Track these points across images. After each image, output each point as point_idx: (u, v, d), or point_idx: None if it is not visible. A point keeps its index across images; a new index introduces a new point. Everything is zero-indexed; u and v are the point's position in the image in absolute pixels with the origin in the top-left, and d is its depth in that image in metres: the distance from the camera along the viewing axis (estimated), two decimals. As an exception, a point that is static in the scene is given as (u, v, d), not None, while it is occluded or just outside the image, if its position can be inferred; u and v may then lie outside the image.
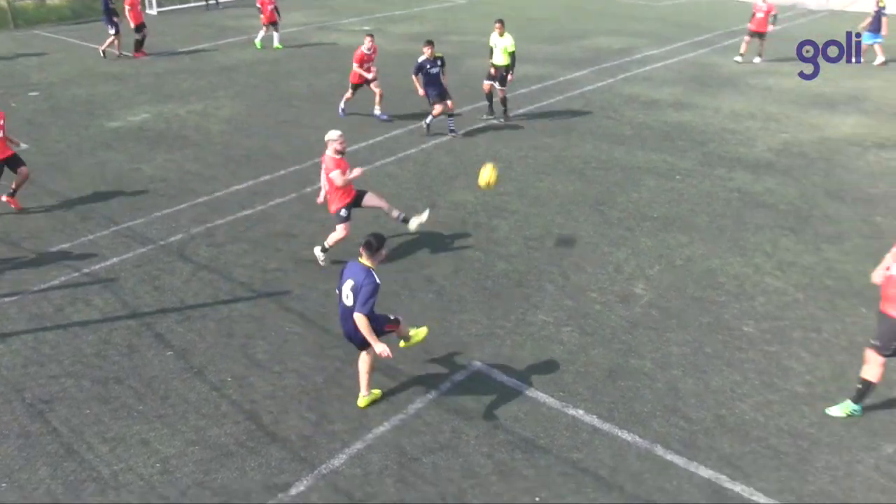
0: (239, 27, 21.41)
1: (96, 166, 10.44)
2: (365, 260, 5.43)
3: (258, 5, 17.46)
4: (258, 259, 8.05)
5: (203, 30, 19.81)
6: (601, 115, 12.60)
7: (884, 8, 16.20)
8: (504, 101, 12.17)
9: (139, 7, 16.45)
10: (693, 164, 10.77)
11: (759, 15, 16.20)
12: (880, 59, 16.33)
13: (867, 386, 5.61)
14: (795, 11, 24.72)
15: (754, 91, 14.48)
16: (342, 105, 12.37)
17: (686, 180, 10.23)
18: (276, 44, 17.68)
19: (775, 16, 16.21)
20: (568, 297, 7.35)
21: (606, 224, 8.87)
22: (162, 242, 8.38)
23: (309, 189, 9.77)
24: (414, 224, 8.07)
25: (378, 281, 5.35)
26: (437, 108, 11.31)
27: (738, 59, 16.22)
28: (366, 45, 12.04)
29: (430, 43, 11.32)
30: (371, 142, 11.49)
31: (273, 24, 17.52)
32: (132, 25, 16.35)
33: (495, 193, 9.38)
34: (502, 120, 12.36)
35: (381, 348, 5.33)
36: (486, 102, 12.61)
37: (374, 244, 5.40)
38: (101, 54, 16.43)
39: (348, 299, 5.43)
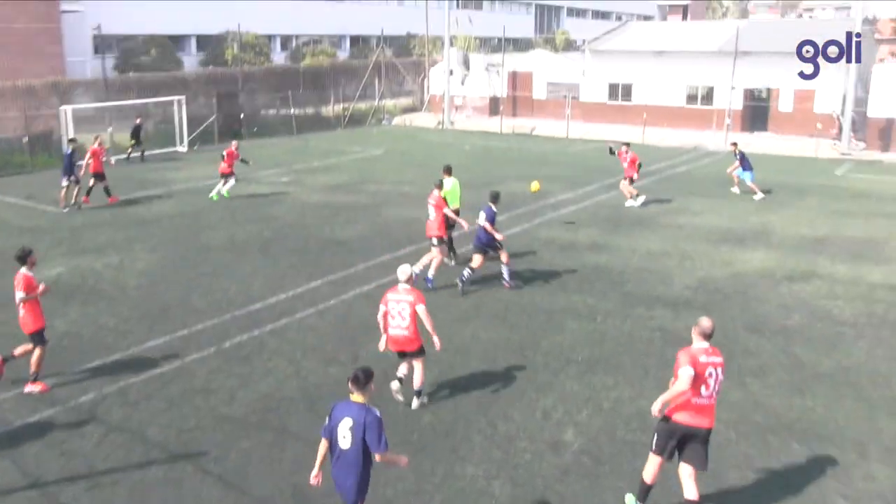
0: (160, 179, 21.93)
1: (3, 324, 10.22)
2: (357, 396, 5.41)
3: (224, 154, 18.52)
4: (174, 418, 7.93)
5: (123, 182, 20.22)
6: (519, 260, 13.09)
7: (737, 147, 18.47)
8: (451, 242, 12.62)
9: (101, 157, 17.58)
10: (613, 304, 11.30)
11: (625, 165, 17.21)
12: (759, 195, 18.22)
13: (644, 487, 6.17)
14: (697, 153, 27.79)
15: (667, 230, 15.67)
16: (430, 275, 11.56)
17: (607, 321, 10.63)
18: (224, 192, 18.45)
19: (640, 164, 17.31)
20: (496, 447, 7.39)
21: (531, 369, 9.05)
22: (72, 403, 8.14)
23: (228, 343, 9.78)
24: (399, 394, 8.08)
25: (379, 414, 5.33)
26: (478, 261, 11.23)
27: (630, 203, 17.18)
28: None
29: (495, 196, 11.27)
30: (290, 293, 11.74)
31: (231, 174, 18.43)
32: (91, 175, 17.43)
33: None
34: (453, 263, 12.61)
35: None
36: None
37: (361, 379, 5.40)
38: (63, 208, 16.88)
39: (345, 440, 5.33)
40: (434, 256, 11.55)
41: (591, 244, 14.49)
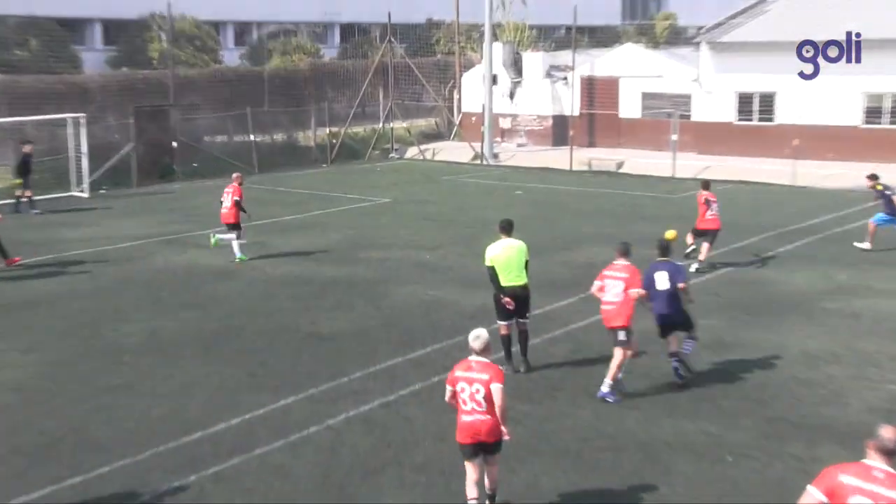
0: (45, 240, 22.51)
1: None
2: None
3: (229, 191, 20.27)
4: None
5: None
6: (601, 363, 13.23)
7: (877, 182, 21.34)
8: (525, 337, 13.44)
9: None
10: (751, 436, 11.14)
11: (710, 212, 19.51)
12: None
13: None
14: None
15: (834, 319, 15.73)
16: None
17: (742, 464, 10.56)
18: (240, 253, 20.34)
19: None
20: None
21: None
22: None
23: (147, 497, 9.59)
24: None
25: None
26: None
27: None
28: None
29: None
30: (247, 417, 11.88)
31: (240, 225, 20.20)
32: None
33: (448, 492, 9.59)
34: (522, 369, 13.30)
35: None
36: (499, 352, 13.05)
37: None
38: None
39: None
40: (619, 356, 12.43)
41: (713, 340, 14.52)
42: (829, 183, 31.46)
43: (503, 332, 13.35)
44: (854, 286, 18.08)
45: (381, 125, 43.19)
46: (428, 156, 41.16)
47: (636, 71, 39.34)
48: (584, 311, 16.11)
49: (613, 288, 12.35)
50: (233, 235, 20.29)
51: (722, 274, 18.99)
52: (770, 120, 36.24)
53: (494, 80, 40.40)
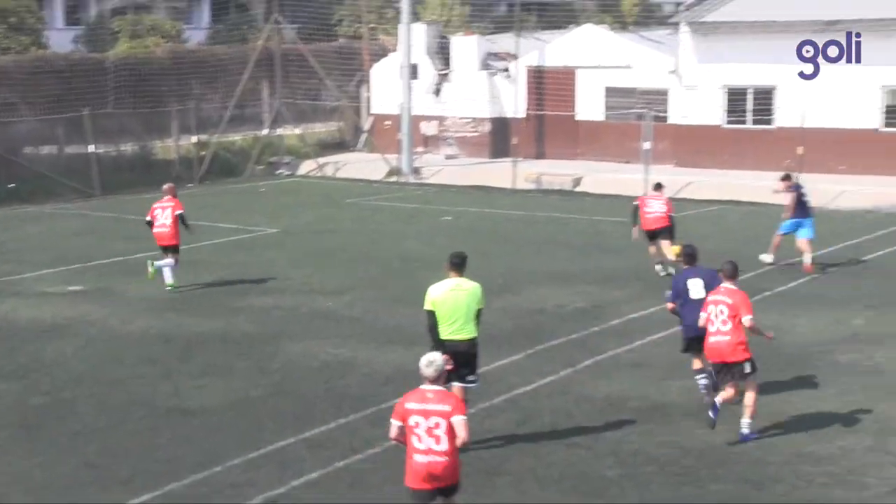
0: None
1: None
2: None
3: (160, 207, 21.98)
4: None
5: None
6: (555, 438, 13.73)
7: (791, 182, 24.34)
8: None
9: None
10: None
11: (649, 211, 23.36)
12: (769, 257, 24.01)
13: None
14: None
15: (848, 376, 16.03)
16: None
17: None
18: (172, 278, 22.02)
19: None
20: None
21: None
22: None
23: None
24: None
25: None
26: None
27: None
28: None
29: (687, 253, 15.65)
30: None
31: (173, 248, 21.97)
32: None
33: None
34: None
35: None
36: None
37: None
38: None
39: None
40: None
41: (700, 404, 14.74)
42: (842, 202, 32.31)
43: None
44: (873, 333, 18.49)
45: (265, 131, 43.19)
46: (328, 172, 41.28)
47: (598, 60, 40.08)
48: (531, 371, 16.30)
49: (720, 315, 13.57)
50: (171, 261, 21.89)
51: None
52: (768, 122, 37.31)
53: (414, 72, 40.82)
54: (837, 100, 35.47)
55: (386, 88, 43.04)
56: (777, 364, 16.58)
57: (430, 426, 9.64)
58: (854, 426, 14.24)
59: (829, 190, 33.19)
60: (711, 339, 13.67)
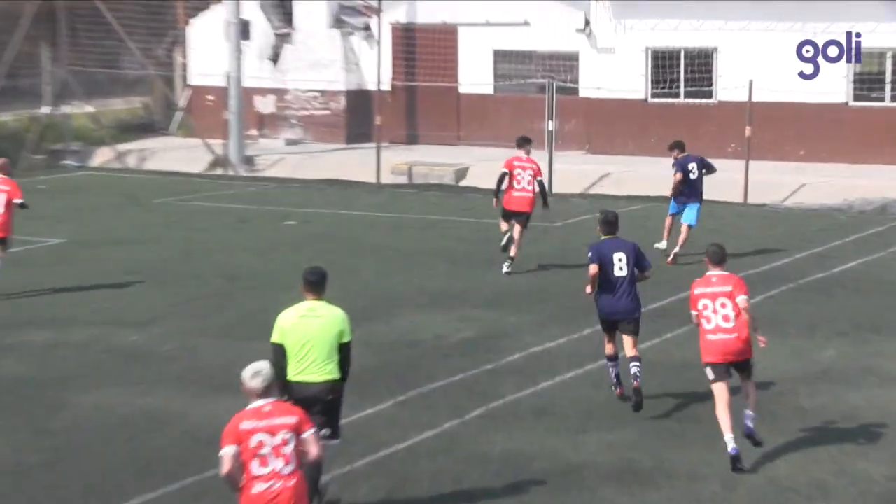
0: None
1: None
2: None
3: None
4: None
5: None
6: None
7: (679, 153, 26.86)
8: (317, 469, 13.20)
9: None
10: None
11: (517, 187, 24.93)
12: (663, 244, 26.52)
13: None
14: (890, 218, 29.45)
15: (816, 425, 16.03)
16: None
17: None
18: None
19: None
20: None
21: None
22: None
23: None
24: None
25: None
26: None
27: None
28: None
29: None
30: None
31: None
32: None
33: None
34: None
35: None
36: None
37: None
38: None
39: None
40: None
41: (623, 466, 14.73)
42: (802, 197, 32.83)
43: None
44: (848, 368, 18.68)
45: (46, 110, 42.45)
46: (131, 163, 40.86)
47: (485, 14, 40.24)
48: (405, 424, 16.13)
49: (721, 310, 14.74)
50: None
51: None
52: (706, 96, 37.81)
53: (245, 31, 40.53)
54: (794, 67, 35.93)
55: (208, 53, 42.67)
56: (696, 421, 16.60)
57: (276, 444, 10.49)
58: (825, 491, 14.31)
59: (785, 182, 33.80)
60: (713, 337, 14.74)
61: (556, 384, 17.94)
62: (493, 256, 26.53)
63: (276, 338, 13.21)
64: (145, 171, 39.88)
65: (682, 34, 37.40)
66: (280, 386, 12.84)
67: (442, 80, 40.71)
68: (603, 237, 17.12)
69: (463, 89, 40.68)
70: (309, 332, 13.12)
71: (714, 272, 14.98)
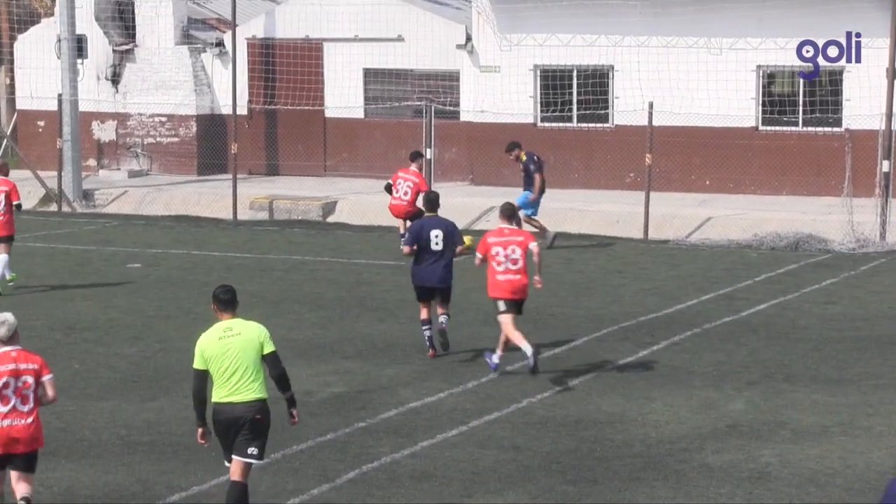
0: None
1: None
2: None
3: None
4: None
5: None
6: None
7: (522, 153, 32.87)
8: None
9: None
10: None
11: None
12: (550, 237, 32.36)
13: None
14: (808, 255, 29.85)
15: (723, 487, 16.32)
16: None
17: None
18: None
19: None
20: None
21: None
22: None
23: None
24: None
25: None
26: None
27: None
28: None
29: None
30: None
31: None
32: None
33: None
34: None
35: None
36: None
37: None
38: None
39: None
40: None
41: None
42: (709, 233, 33.34)
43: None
44: (758, 421, 18.95)
45: None
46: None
47: (354, 29, 40.58)
48: (267, 490, 16.16)
49: (511, 255, 20.59)
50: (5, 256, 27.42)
51: (526, 408, 19.61)
52: (603, 120, 38.38)
53: (81, 47, 40.39)
54: (699, 86, 36.49)
55: (37, 72, 42.50)
56: (623, 467, 16.89)
57: (19, 386, 13.57)
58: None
59: (690, 215, 34.23)
60: (503, 278, 20.51)
61: (437, 443, 18.03)
62: (367, 302, 26.70)
63: (198, 364, 13.98)
64: (-34, 208, 39.42)
65: (574, 50, 37.91)
66: (197, 410, 14.20)
67: (306, 103, 40.78)
68: (426, 214, 22.83)
69: (330, 113, 40.87)
70: (231, 352, 13.91)
71: (505, 225, 20.92)
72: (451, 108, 38.69)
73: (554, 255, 31.54)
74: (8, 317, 13.99)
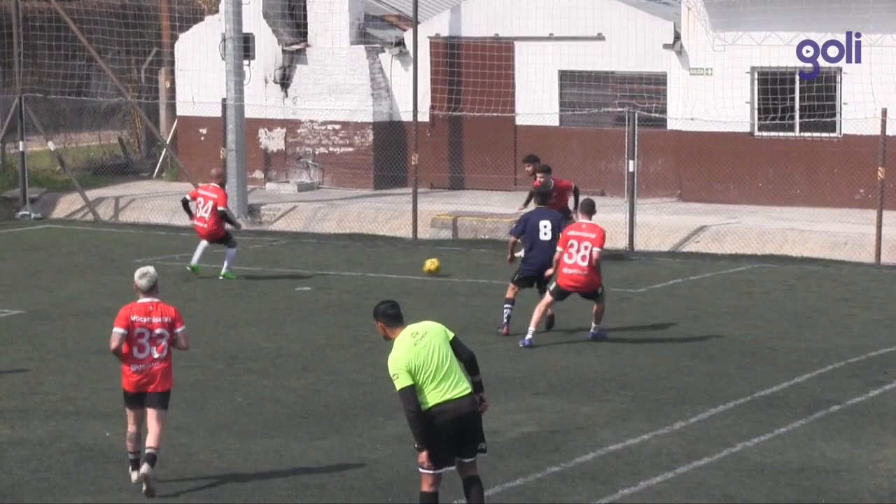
0: None
1: None
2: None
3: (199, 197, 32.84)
4: None
5: None
6: None
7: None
8: (479, 491, 15.84)
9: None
10: None
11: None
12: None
13: None
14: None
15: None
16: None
17: None
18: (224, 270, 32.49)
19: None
20: None
21: None
22: None
23: None
24: None
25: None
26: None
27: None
28: None
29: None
30: None
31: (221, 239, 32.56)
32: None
33: None
34: None
35: None
36: None
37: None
38: None
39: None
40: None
41: None
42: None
43: (429, 488, 15.11)
44: None
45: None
46: (105, 213, 41.27)
47: (549, 26, 40.57)
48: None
49: (581, 251, 24.83)
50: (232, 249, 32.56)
51: (740, 453, 19.43)
52: (829, 129, 38.11)
53: (247, 48, 40.91)
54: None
55: (200, 74, 43.17)
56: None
57: (153, 336, 17.01)
58: None
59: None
60: (569, 271, 24.80)
61: (639, 491, 17.99)
62: (565, 331, 26.65)
63: (405, 381, 14.74)
64: (121, 224, 40.16)
65: (794, 50, 37.60)
66: (420, 433, 14.82)
67: (494, 109, 40.87)
68: (536, 207, 27.16)
69: (521, 120, 41.01)
70: (433, 353, 14.94)
71: (584, 221, 24.95)
72: (657, 115, 38.49)
73: (773, 280, 31.31)
74: (150, 269, 17.32)
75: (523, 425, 20.75)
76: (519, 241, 26.61)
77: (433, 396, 14.65)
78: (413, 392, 14.69)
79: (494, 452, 19.52)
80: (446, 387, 14.72)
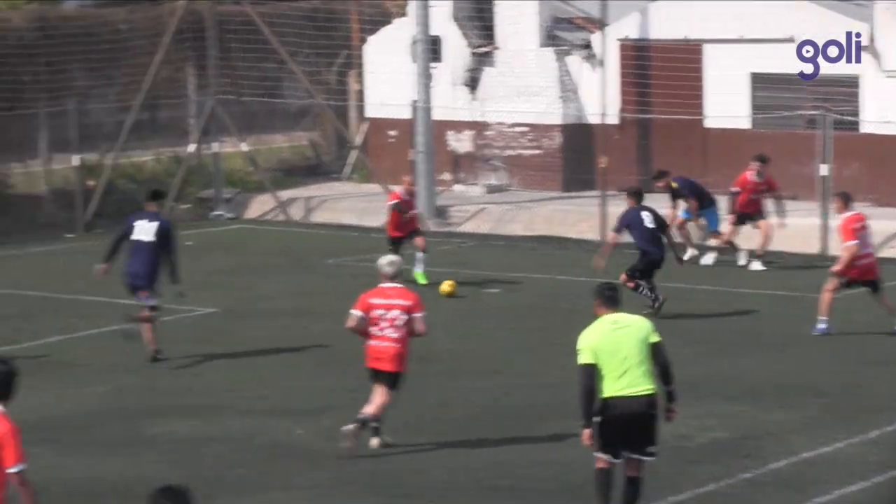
0: None
1: None
2: None
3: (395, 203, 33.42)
4: None
5: None
6: None
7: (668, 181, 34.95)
8: (636, 492, 16.03)
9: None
10: None
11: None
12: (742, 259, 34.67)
13: None
14: None
15: None
16: None
17: None
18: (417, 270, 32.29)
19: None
20: None
21: None
22: None
23: None
24: None
25: None
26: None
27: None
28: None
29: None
30: None
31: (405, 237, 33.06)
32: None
33: None
34: None
35: None
36: None
37: None
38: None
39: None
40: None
41: None
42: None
43: (601, 465, 15.53)
44: None
45: (192, 148, 43.57)
46: (296, 214, 41.73)
47: (739, 28, 40.34)
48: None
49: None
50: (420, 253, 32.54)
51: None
52: None
53: (436, 51, 41.13)
54: None
55: (389, 78, 43.29)
56: None
57: (390, 317, 18.99)
58: None
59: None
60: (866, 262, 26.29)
61: (833, 499, 17.87)
62: (753, 337, 26.43)
63: (587, 358, 15.12)
64: (313, 225, 40.55)
65: None
66: (586, 411, 15.15)
67: (684, 112, 40.65)
68: (633, 205, 29.03)
69: (711, 123, 40.72)
70: (624, 344, 15.13)
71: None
72: (851, 119, 37.98)
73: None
74: (396, 259, 20.38)
75: (714, 430, 20.74)
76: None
77: (610, 387, 14.85)
78: (591, 371, 14.95)
79: (685, 457, 19.55)
80: (626, 382, 14.86)
